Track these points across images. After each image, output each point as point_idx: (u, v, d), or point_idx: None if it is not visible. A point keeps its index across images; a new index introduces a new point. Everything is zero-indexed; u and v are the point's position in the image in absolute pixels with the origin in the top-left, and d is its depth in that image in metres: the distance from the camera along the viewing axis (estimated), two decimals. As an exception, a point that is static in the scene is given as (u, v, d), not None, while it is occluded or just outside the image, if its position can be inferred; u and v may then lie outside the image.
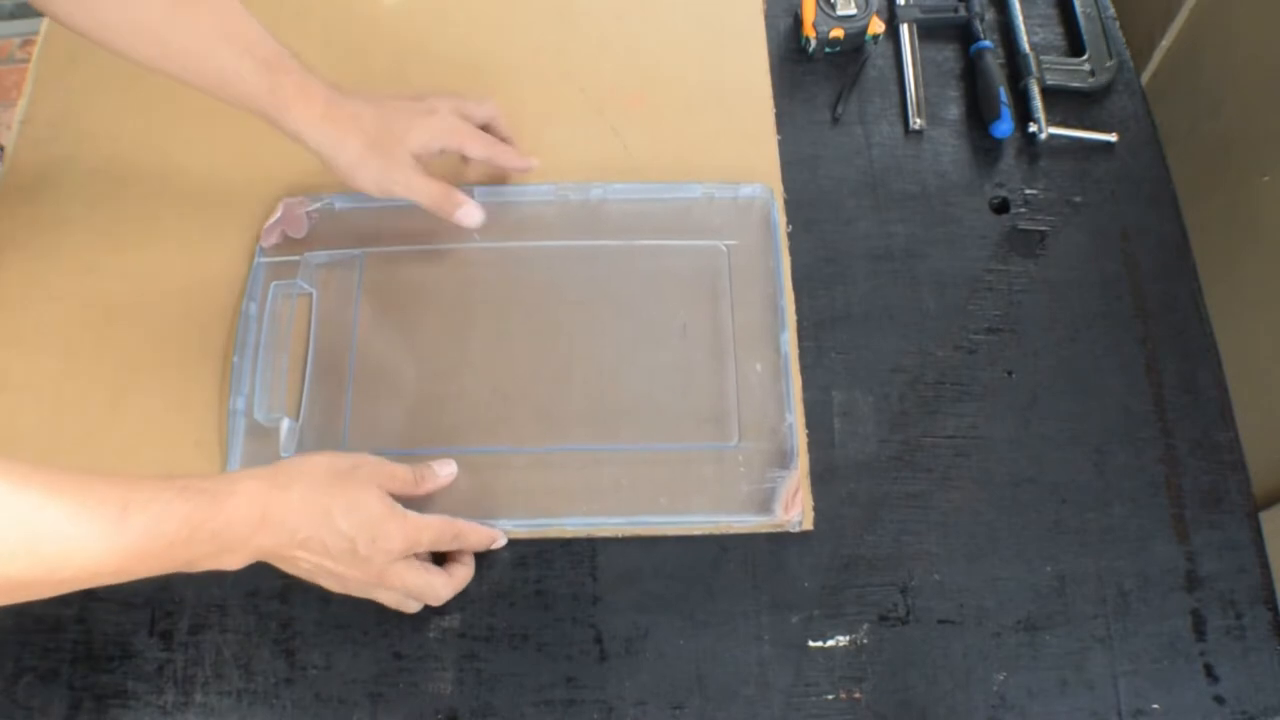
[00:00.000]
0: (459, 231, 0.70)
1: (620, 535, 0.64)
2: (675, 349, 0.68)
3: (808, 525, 0.65)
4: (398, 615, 0.62)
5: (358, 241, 0.71)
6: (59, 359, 0.69)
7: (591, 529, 0.64)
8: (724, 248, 0.71)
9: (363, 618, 0.62)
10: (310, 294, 0.69)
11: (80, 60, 0.79)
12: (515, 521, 0.63)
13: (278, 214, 0.71)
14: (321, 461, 0.56)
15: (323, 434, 0.65)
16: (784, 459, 0.65)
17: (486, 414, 0.66)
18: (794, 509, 0.63)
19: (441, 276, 0.71)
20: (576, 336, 0.69)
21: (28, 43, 1.87)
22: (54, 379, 0.68)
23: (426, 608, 0.61)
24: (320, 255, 0.71)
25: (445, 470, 0.63)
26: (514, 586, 0.63)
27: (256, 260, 0.70)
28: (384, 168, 0.64)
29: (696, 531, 0.64)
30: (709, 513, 0.64)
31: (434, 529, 0.58)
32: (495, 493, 0.64)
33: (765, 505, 0.63)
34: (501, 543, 0.63)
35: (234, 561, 0.52)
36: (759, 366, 0.67)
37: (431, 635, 0.62)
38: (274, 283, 0.69)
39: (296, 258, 0.70)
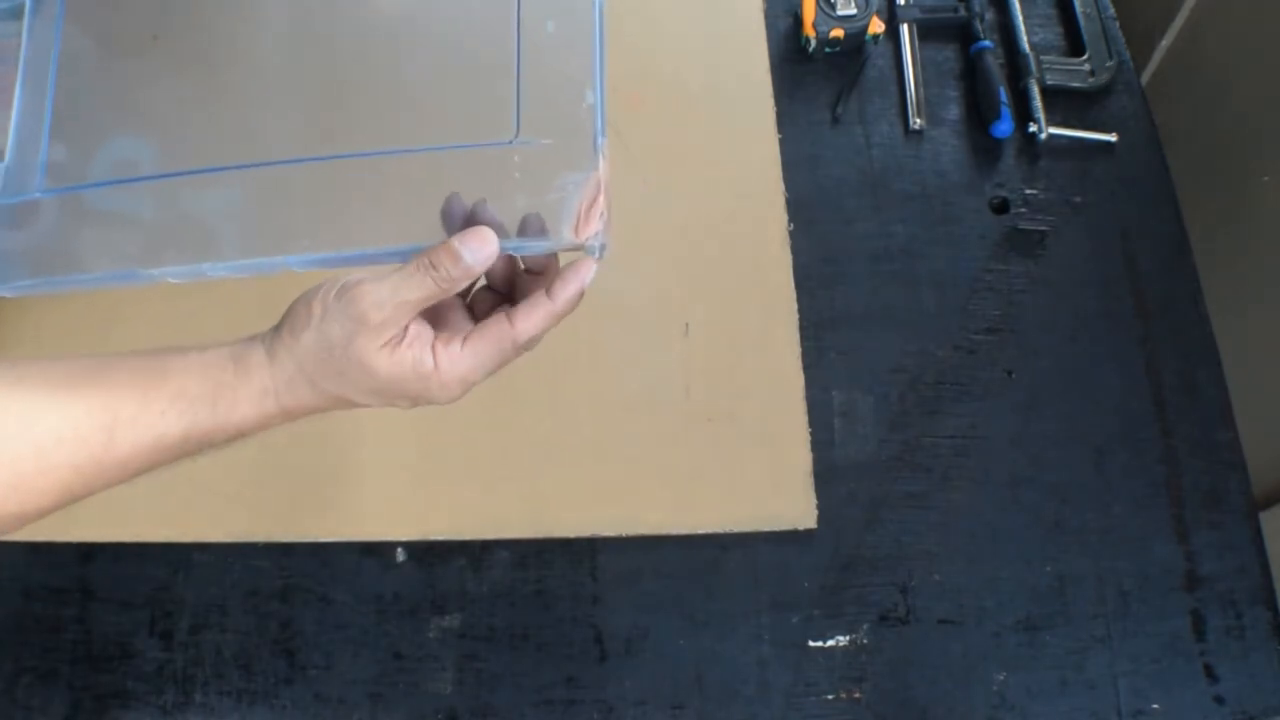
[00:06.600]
0: None
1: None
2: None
3: (810, 523, 0.65)
4: (398, 615, 0.62)
5: None
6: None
7: (320, 267, 0.46)
8: None
9: (363, 618, 0.62)
10: (23, 4, 0.52)
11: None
12: (229, 264, 0.46)
13: None
14: (308, 338, 0.44)
15: (29, 172, 0.50)
16: (582, 158, 0.45)
17: (182, 134, 0.49)
18: (589, 226, 0.43)
19: None
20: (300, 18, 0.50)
21: (28, 43, 1.87)
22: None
23: (425, 609, 0.62)
24: None
25: (481, 249, 0.42)
26: (514, 586, 0.63)
27: None
28: None
29: (698, 531, 0.64)
30: None
31: (486, 356, 0.44)
32: (201, 226, 0.47)
33: (550, 224, 0.44)
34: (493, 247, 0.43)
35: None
36: (551, 25, 0.48)
37: (431, 635, 0.62)
38: None
39: None
